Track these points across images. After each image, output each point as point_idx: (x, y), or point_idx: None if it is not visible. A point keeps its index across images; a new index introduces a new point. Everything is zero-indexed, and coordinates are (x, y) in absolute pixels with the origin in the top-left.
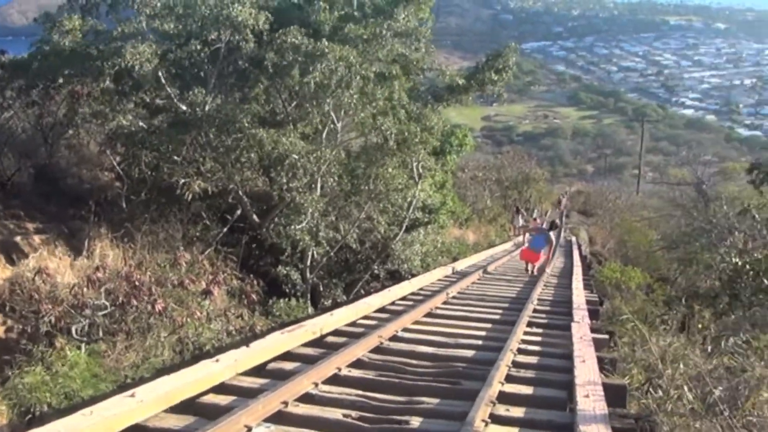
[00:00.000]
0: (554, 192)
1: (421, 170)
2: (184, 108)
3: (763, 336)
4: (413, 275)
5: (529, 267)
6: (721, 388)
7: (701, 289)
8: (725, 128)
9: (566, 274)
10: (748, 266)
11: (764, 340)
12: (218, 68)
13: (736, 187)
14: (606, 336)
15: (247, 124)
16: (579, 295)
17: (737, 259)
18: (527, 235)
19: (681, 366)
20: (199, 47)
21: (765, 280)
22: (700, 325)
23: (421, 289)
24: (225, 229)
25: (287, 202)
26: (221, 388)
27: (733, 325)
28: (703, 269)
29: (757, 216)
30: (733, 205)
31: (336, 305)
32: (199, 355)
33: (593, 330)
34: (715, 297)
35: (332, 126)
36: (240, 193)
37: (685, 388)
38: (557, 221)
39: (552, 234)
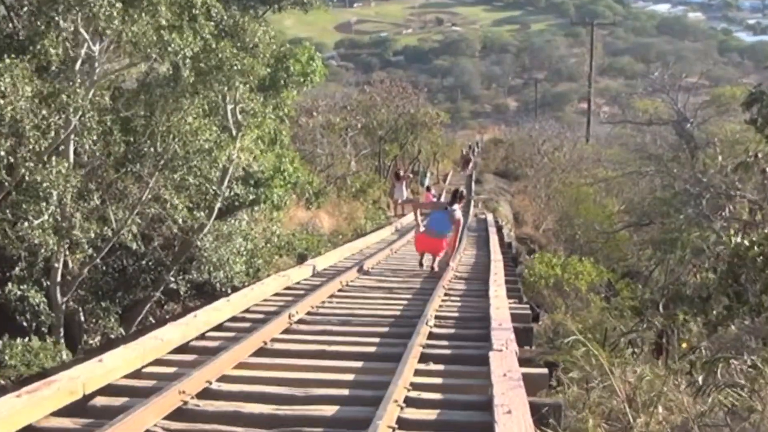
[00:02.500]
0: (457, 144)
1: (240, 117)
2: None
3: None
4: (235, 289)
5: (426, 261)
6: None
7: (687, 286)
8: (718, 32)
9: (480, 272)
10: (756, 248)
11: None
12: None
13: (736, 125)
14: (544, 370)
15: None
16: (500, 307)
17: (739, 238)
18: (419, 214)
19: (659, 410)
20: None
21: None
22: (685, 344)
23: (247, 311)
24: None
25: (15, 183)
26: None
27: (733, 342)
28: (690, 256)
29: None
30: (732, 153)
31: (109, 344)
32: None
33: (524, 362)
34: (708, 299)
35: (88, 52)
36: None
37: None
38: (463, 190)
39: (457, 209)
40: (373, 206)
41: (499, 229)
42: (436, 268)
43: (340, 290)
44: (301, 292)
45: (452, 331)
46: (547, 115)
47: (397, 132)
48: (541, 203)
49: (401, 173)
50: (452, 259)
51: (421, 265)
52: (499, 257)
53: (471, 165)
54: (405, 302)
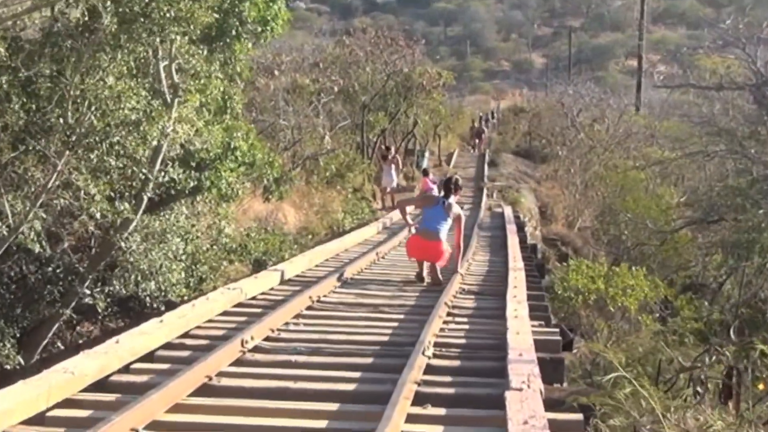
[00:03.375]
0: (465, 114)
1: (176, 79)
2: None
3: None
4: (170, 305)
5: (424, 271)
6: None
7: None
8: None
9: (494, 285)
10: None
11: None
12: None
13: None
14: (578, 416)
15: None
16: (521, 332)
17: None
18: (409, 210)
19: None
20: None
21: None
22: (762, 386)
23: (187, 335)
24: None
25: None
26: None
27: None
28: None
29: None
30: None
31: (3, 378)
32: None
33: (551, 404)
34: None
35: None
36: None
37: None
38: (457, 178)
39: (454, 202)
40: (354, 196)
41: (520, 228)
42: (436, 281)
43: (309, 308)
44: (258, 310)
45: (457, 363)
46: (584, 75)
47: (385, 98)
48: (576, 193)
49: (391, 153)
50: (460, 265)
51: (419, 278)
52: (519, 265)
53: (483, 142)
54: (395, 324)
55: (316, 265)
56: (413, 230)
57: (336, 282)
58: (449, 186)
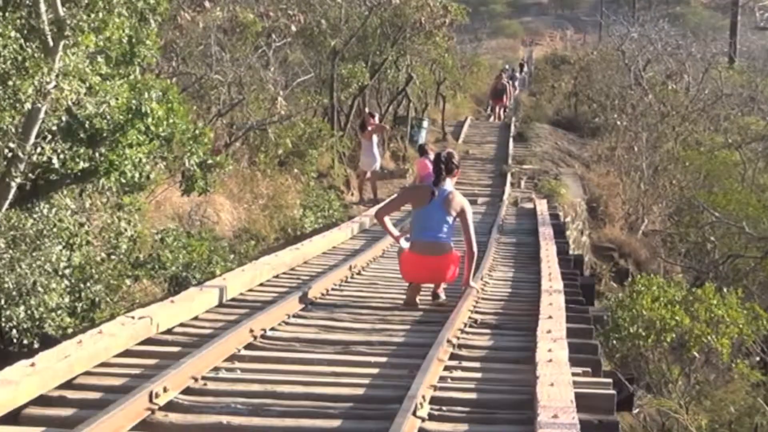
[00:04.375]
0: (482, 66)
1: (62, 14)
2: None
3: None
4: (47, 341)
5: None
6: None
7: None
8: None
9: (520, 313)
10: None
11: None
12: None
13: None
14: None
15: None
16: (557, 383)
17: None
18: (388, 221)
19: None
20: None
21: None
22: None
23: (70, 385)
24: None
25: None
26: None
27: None
28: None
29: None
30: None
31: None
32: None
33: None
34: None
35: None
36: None
37: None
38: (452, 152)
39: (450, 187)
40: (319, 184)
41: (560, 232)
42: (442, 297)
43: (250, 346)
44: (175, 349)
45: (464, 428)
46: (655, 11)
47: (365, 42)
48: (642, 182)
49: (373, 121)
50: (473, 277)
51: (411, 304)
52: (557, 285)
53: (507, 106)
54: (375, 370)
55: (262, 285)
56: (404, 243)
57: (290, 308)
58: (440, 165)
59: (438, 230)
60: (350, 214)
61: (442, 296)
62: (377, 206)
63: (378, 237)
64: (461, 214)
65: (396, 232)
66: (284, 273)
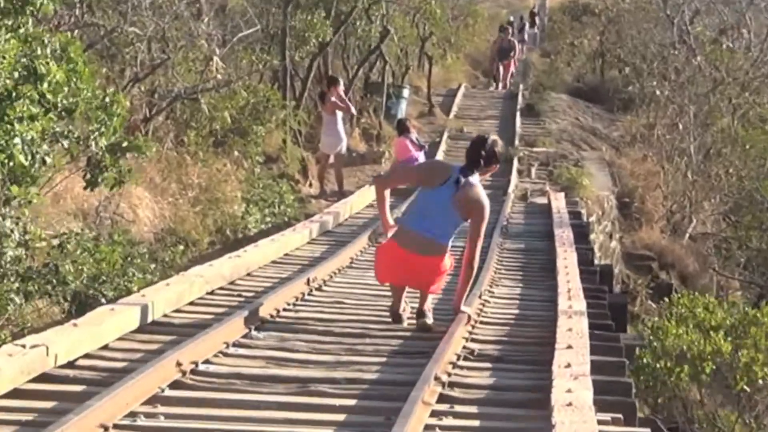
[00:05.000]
0: (481, 18)
1: None
2: None
3: None
4: None
5: (405, 306)
6: None
7: None
8: None
9: (530, 342)
10: None
11: None
12: None
13: None
14: None
15: None
16: None
17: None
18: (386, 198)
19: None
20: None
21: None
22: None
23: None
24: None
25: None
26: None
27: None
28: None
29: None
30: None
31: None
32: None
33: None
34: None
35: None
36: None
37: None
38: (495, 139)
39: (477, 182)
40: (267, 171)
41: (582, 235)
42: (429, 320)
43: (176, 384)
44: (78, 388)
45: None
46: None
47: None
48: (690, 169)
49: (338, 88)
50: (464, 301)
51: (396, 318)
52: (579, 305)
53: (513, 69)
54: (341, 417)
55: (192, 303)
56: (389, 234)
57: (230, 335)
58: (480, 152)
59: (440, 225)
60: (308, 210)
61: (430, 318)
62: (380, 176)
63: (344, 241)
64: (477, 217)
65: (390, 219)
66: (221, 288)
